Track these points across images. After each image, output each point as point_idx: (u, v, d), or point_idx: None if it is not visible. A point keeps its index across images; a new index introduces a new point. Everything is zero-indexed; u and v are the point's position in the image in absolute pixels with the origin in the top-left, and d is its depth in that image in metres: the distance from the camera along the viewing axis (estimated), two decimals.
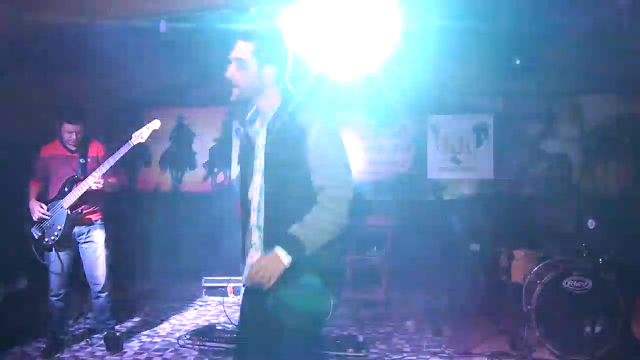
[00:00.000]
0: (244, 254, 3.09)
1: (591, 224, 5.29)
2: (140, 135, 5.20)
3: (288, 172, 2.89)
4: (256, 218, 2.97)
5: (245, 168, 3.09)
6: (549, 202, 6.57)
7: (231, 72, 2.95)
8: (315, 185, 2.88)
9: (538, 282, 5.39)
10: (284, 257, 2.78)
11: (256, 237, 2.97)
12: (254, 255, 2.97)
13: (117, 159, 5.24)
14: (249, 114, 3.08)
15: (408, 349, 5.66)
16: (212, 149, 9.03)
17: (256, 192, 2.98)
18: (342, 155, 2.95)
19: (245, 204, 3.06)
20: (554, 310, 5.25)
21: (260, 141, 3.00)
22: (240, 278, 7.31)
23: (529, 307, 5.38)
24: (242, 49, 2.92)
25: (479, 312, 6.46)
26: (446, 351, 5.56)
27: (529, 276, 5.70)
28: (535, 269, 5.69)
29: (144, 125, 5.24)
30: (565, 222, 6.48)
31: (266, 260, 2.81)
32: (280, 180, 2.91)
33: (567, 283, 5.25)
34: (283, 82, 3.02)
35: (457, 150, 8.09)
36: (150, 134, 5.22)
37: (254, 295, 2.96)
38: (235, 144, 8.67)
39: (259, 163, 2.98)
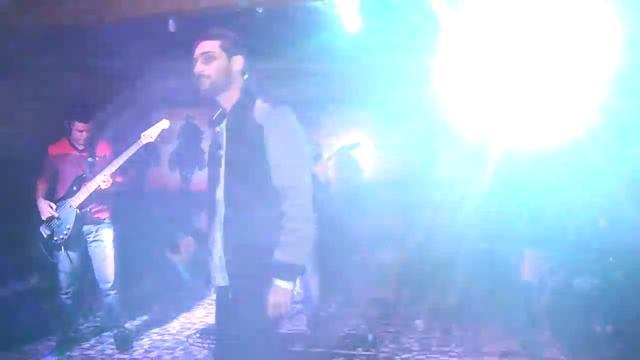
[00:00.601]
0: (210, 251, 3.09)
1: (603, 222, 5.26)
2: (150, 135, 5.21)
3: (246, 168, 2.91)
4: (218, 214, 2.98)
5: (213, 168, 3.07)
6: (560, 201, 6.52)
7: (200, 67, 2.95)
8: (277, 185, 2.89)
9: (548, 281, 5.36)
10: (288, 285, 2.83)
11: (217, 234, 2.99)
12: (216, 255, 2.99)
13: (125, 158, 5.25)
14: (215, 115, 3.09)
15: (417, 348, 5.65)
16: None
17: (219, 188, 2.98)
18: (302, 154, 2.99)
19: (212, 204, 3.04)
20: (565, 309, 5.23)
21: (223, 139, 3.03)
22: None
23: (539, 306, 5.36)
24: (208, 46, 2.96)
25: (488, 312, 6.43)
26: (456, 350, 5.55)
27: (539, 275, 5.68)
28: (546, 268, 5.67)
29: (152, 124, 5.24)
30: (577, 221, 6.44)
31: (276, 298, 2.81)
32: (239, 176, 2.92)
33: (578, 282, 5.22)
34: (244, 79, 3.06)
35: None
36: (160, 134, 5.23)
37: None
38: None
39: (221, 160, 3.00)
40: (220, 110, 3.08)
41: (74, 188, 5.40)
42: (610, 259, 5.35)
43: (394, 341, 5.85)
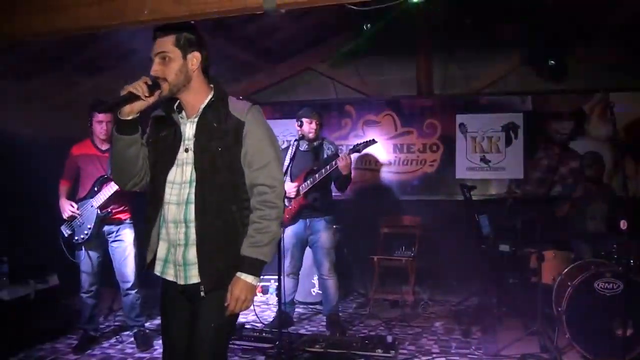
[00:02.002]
0: (147, 245, 3.02)
1: (623, 224, 5.21)
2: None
3: (219, 163, 2.87)
4: (184, 212, 2.88)
5: (163, 156, 2.96)
6: (579, 202, 6.48)
7: (156, 68, 2.87)
8: (251, 182, 2.91)
9: (569, 283, 5.33)
10: (252, 280, 2.84)
11: (182, 232, 2.90)
12: (179, 251, 2.91)
13: None
14: (175, 104, 2.98)
15: (437, 350, 5.63)
16: None
17: (185, 185, 2.90)
18: (277, 154, 2.98)
19: (157, 199, 2.96)
20: (585, 312, 5.19)
21: (189, 133, 2.93)
22: (267, 277, 7.34)
23: (559, 309, 5.34)
24: (162, 44, 2.89)
25: (508, 314, 6.41)
26: (476, 353, 5.52)
27: (559, 277, 5.65)
28: (566, 270, 5.64)
29: None
30: (596, 222, 6.41)
31: (239, 291, 2.82)
32: (211, 173, 2.87)
33: (598, 285, 5.19)
34: (209, 75, 3.01)
35: (486, 150, 8.03)
36: None
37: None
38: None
39: (190, 155, 2.90)
40: (179, 102, 2.98)
41: (95, 188, 5.46)
42: (632, 261, 5.32)
43: (414, 343, 5.85)
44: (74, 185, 5.66)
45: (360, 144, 5.96)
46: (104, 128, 5.51)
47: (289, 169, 5.95)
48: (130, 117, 2.84)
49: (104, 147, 5.59)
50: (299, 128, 6.07)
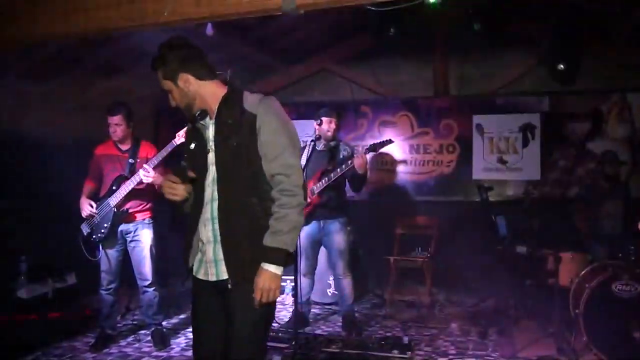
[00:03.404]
0: (188, 249, 3.14)
1: None
2: (184, 135, 5.26)
3: (237, 159, 2.96)
4: (210, 210, 3.01)
5: (197, 164, 3.09)
6: (596, 203, 6.45)
7: (170, 101, 3.07)
8: (269, 173, 2.95)
9: (586, 285, 5.30)
10: (277, 270, 2.87)
11: (209, 230, 3.02)
12: (209, 249, 3.02)
13: (160, 158, 5.33)
14: (198, 112, 3.08)
15: (453, 352, 5.62)
16: None
17: (209, 184, 3.03)
18: (292, 142, 3.00)
19: (198, 204, 3.08)
20: (602, 314, 5.16)
21: (211, 133, 3.05)
22: (284, 277, 7.34)
23: (576, 311, 5.30)
24: (160, 81, 3.03)
25: (525, 316, 6.39)
26: (492, 354, 5.51)
27: (576, 279, 5.62)
28: (583, 272, 5.60)
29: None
30: (616, 224, 6.37)
31: (264, 281, 2.86)
32: (231, 168, 2.96)
33: (615, 287, 5.16)
34: (212, 78, 3.07)
35: (503, 151, 8.01)
36: None
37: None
38: None
39: (211, 155, 3.02)
40: (200, 110, 3.08)
41: (114, 187, 5.50)
42: None
43: (430, 344, 5.84)
44: (97, 184, 5.70)
45: (377, 143, 5.95)
46: (115, 130, 5.56)
47: (305, 169, 5.94)
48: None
49: (125, 147, 5.65)
50: (317, 127, 6.07)
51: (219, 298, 3.05)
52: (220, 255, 2.98)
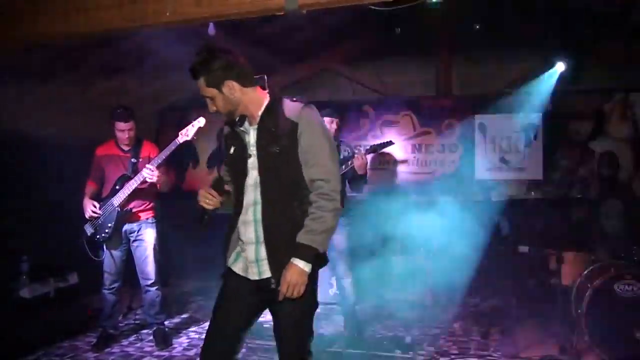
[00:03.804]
0: (227, 247, 3.30)
1: None
2: (186, 134, 5.25)
3: (279, 165, 3.10)
4: (252, 212, 3.15)
5: (236, 168, 3.24)
6: (599, 203, 6.44)
7: (210, 108, 3.15)
8: (309, 178, 3.09)
9: (588, 285, 5.30)
10: (304, 266, 3.00)
11: (251, 231, 3.15)
12: (250, 249, 3.16)
13: (163, 157, 5.33)
14: (237, 117, 3.20)
15: (455, 351, 5.62)
16: None
17: (251, 188, 3.15)
18: (332, 149, 3.14)
19: (238, 206, 3.22)
20: (605, 314, 5.16)
21: (252, 139, 3.18)
22: None
23: (578, 311, 5.30)
24: (201, 88, 3.10)
25: (527, 316, 6.38)
26: (494, 354, 5.51)
27: (579, 279, 5.61)
28: (586, 272, 5.60)
29: (189, 123, 5.29)
30: (616, 223, 6.36)
31: (290, 276, 2.99)
32: (273, 174, 3.10)
33: (618, 287, 5.16)
34: (254, 84, 3.17)
35: (506, 150, 7.99)
36: (197, 132, 5.26)
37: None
38: None
39: (253, 160, 3.15)
40: (240, 116, 3.19)
41: (117, 187, 5.51)
42: None
43: (432, 344, 5.84)
44: (100, 185, 5.71)
45: (377, 144, 5.94)
46: (125, 136, 5.58)
47: None
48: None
49: (127, 147, 5.66)
50: None
51: (254, 296, 3.20)
52: (262, 255, 3.13)
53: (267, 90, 3.23)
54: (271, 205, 3.10)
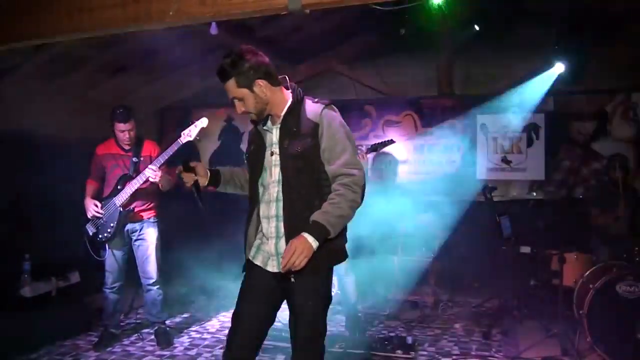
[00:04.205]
0: (246, 241, 3.45)
1: None
2: (189, 134, 5.24)
3: (301, 164, 3.22)
4: (275, 208, 3.29)
5: (255, 164, 3.39)
6: (601, 204, 6.43)
7: (239, 108, 3.26)
8: (332, 174, 3.23)
9: (590, 286, 5.30)
10: (312, 242, 3.06)
11: (273, 226, 3.30)
12: (271, 243, 3.31)
13: (166, 157, 5.32)
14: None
15: (457, 352, 5.62)
16: None
17: (274, 185, 3.30)
18: (353, 147, 3.30)
19: (253, 200, 3.40)
20: (606, 315, 5.17)
21: (274, 138, 3.32)
22: None
23: (580, 311, 5.31)
24: (230, 89, 3.22)
25: (529, 316, 6.38)
26: (496, 355, 5.51)
27: (580, 280, 5.62)
28: (588, 272, 5.61)
29: (192, 123, 5.28)
30: (619, 224, 6.35)
31: (297, 244, 3.05)
32: (295, 172, 3.22)
33: (620, 287, 5.16)
34: (280, 84, 3.34)
35: (508, 151, 7.99)
36: (199, 132, 5.26)
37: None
38: None
39: (275, 158, 3.29)
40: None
41: (119, 187, 5.51)
42: None
43: (433, 344, 5.84)
44: (100, 185, 5.71)
45: (378, 143, 5.95)
46: (126, 136, 5.58)
47: None
48: (207, 184, 3.49)
49: (127, 147, 5.65)
50: None
51: (274, 288, 3.33)
52: (282, 249, 3.21)
53: (290, 90, 3.37)
54: (292, 202, 3.22)
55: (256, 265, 3.38)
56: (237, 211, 7.87)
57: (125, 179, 5.51)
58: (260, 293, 3.36)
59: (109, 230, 5.52)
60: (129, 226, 5.65)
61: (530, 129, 7.94)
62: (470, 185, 7.85)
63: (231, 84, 3.18)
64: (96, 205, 5.50)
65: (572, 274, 5.80)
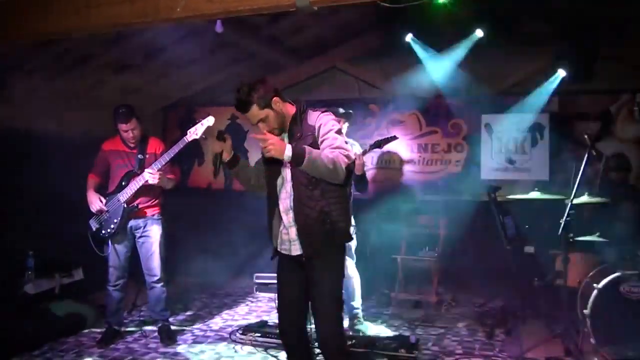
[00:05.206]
0: (271, 233, 4.00)
1: None
2: (195, 132, 5.23)
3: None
4: (289, 201, 3.83)
5: (271, 166, 3.90)
6: (605, 204, 6.41)
7: (263, 129, 3.76)
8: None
9: (594, 286, 5.29)
10: (287, 149, 3.58)
11: (291, 216, 3.84)
12: (291, 231, 3.85)
13: (172, 155, 5.33)
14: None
15: (460, 351, 5.62)
16: None
17: (287, 182, 3.84)
18: (342, 139, 3.80)
19: (273, 198, 3.94)
20: (610, 316, 5.15)
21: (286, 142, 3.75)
22: None
23: (584, 312, 5.29)
24: (254, 114, 3.75)
25: (532, 316, 6.37)
26: (499, 355, 5.51)
27: (584, 280, 5.60)
28: (591, 273, 5.58)
29: (198, 122, 5.27)
30: (622, 225, 6.33)
31: (278, 141, 3.59)
32: (300, 172, 3.68)
33: (623, 288, 5.15)
34: (285, 99, 3.88)
35: (512, 151, 7.97)
36: (205, 130, 5.25)
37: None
38: None
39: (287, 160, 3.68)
40: None
41: (123, 183, 5.52)
42: None
43: (437, 343, 5.84)
44: (103, 180, 5.72)
45: (382, 139, 5.94)
46: (129, 135, 5.60)
47: None
48: (227, 160, 3.99)
49: (132, 145, 5.66)
50: None
51: (298, 268, 3.89)
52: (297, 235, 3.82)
53: (294, 105, 3.92)
54: (299, 196, 3.76)
55: (283, 252, 3.93)
56: (239, 212, 7.97)
57: (130, 176, 5.53)
58: (291, 274, 3.95)
59: (112, 226, 5.53)
60: (132, 223, 5.65)
61: (534, 129, 7.92)
62: (474, 185, 7.84)
63: (254, 109, 3.70)
64: (101, 201, 5.51)
65: (576, 275, 5.78)
